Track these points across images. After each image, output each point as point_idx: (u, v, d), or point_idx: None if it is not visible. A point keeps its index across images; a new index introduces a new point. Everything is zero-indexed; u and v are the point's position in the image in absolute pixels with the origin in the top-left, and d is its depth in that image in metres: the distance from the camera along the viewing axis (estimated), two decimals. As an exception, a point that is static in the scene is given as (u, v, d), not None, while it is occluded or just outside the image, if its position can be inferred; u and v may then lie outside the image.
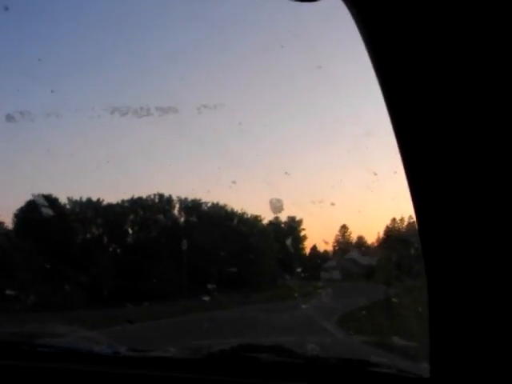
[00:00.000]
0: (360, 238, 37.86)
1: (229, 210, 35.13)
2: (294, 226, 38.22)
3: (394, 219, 31.25)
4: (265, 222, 35.10)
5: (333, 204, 15.64)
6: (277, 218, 36.15)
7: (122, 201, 32.10)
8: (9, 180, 25.54)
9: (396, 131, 1.76)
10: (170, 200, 34.46)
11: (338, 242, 40.56)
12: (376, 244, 33.37)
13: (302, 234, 38.63)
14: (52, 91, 20.50)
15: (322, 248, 37.59)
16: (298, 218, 37.95)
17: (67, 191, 28.24)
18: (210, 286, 16.42)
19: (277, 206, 5.24)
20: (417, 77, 1.68)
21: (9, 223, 27.46)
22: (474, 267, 1.78)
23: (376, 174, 9.76)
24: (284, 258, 29.66)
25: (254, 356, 2.66)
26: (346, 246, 38.58)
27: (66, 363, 2.86)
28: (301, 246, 37.51)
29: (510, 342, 1.76)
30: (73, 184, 27.83)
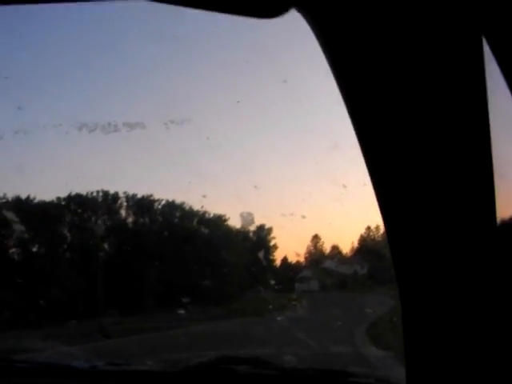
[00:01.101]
0: (334, 248, 36.96)
1: (187, 208, 31.95)
2: (262, 235, 36.40)
3: (368, 228, 31.28)
4: (231, 226, 33.44)
5: (303, 217, 15.64)
6: (244, 227, 34.78)
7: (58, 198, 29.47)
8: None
9: (361, 144, 1.78)
10: (115, 197, 31.37)
11: (310, 252, 39.33)
12: (350, 254, 33.10)
13: (272, 243, 36.74)
14: (19, 108, 20.34)
15: (293, 259, 36.44)
16: (267, 227, 36.19)
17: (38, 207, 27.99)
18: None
19: (248, 220, 5.26)
20: (378, 89, 1.70)
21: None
22: (442, 274, 1.80)
23: (345, 187, 9.80)
24: (253, 268, 28.55)
25: (232, 368, 2.64)
26: (320, 257, 37.47)
27: (44, 378, 2.83)
28: (271, 256, 36.30)
29: (481, 346, 1.78)
30: (45, 197, 27.60)
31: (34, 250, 27.07)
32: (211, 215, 32.29)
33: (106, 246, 29.68)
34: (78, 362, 3.01)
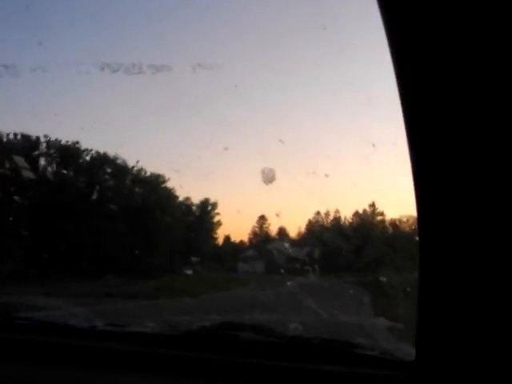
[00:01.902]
0: (281, 230, 34.90)
1: (120, 162, 28.98)
2: (206, 209, 34.00)
3: (318, 212, 30.84)
4: (171, 189, 30.55)
5: (327, 175, 15.56)
6: (188, 199, 32.64)
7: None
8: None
9: (403, 98, 1.69)
10: (37, 142, 27.35)
11: (254, 233, 37.17)
12: (299, 237, 31.88)
13: (216, 219, 34.46)
14: (39, 43, 20.23)
15: (240, 238, 34.73)
16: (212, 201, 33.80)
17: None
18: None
19: (269, 176, 5.18)
20: (434, 51, 1.61)
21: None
22: (470, 258, 1.74)
23: (374, 146, 9.70)
24: (191, 243, 26.81)
25: (234, 334, 2.62)
26: (268, 237, 35.49)
27: (42, 336, 2.82)
28: (213, 233, 34.39)
29: (497, 334, 1.74)
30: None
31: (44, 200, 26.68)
32: (147, 174, 29.79)
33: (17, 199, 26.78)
34: (78, 320, 3.00)
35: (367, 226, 30.08)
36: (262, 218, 34.96)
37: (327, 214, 31.95)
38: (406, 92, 1.68)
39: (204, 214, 33.46)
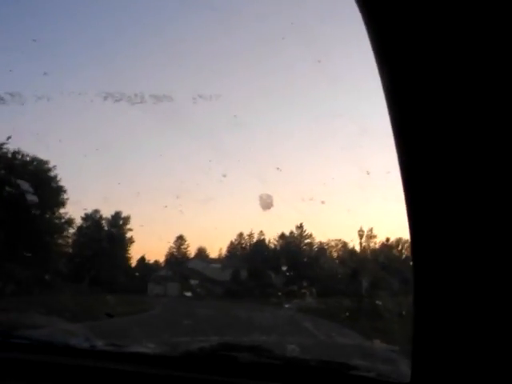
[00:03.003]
0: (201, 250, 32.54)
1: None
2: (117, 223, 30.61)
3: (241, 234, 29.91)
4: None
5: (323, 202, 15.70)
6: (96, 211, 29.78)
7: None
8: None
9: (395, 130, 1.72)
10: None
11: (171, 254, 33.45)
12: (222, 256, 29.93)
13: (129, 235, 31.01)
14: (45, 73, 20.45)
15: (154, 257, 31.58)
16: (124, 215, 30.51)
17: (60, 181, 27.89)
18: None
19: (267, 202, 5.21)
20: (421, 77, 1.64)
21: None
22: (463, 279, 1.76)
23: (368, 173, 9.76)
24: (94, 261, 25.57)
25: (233, 355, 2.63)
26: (185, 257, 32.13)
27: (42, 355, 2.82)
28: (124, 250, 30.89)
29: (493, 351, 1.75)
30: (60, 171, 27.54)
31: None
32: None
33: None
34: (78, 340, 3.00)
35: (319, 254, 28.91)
36: (181, 238, 31.92)
37: (250, 235, 30.51)
38: (398, 123, 1.72)
39: (114, 228, 30.42)
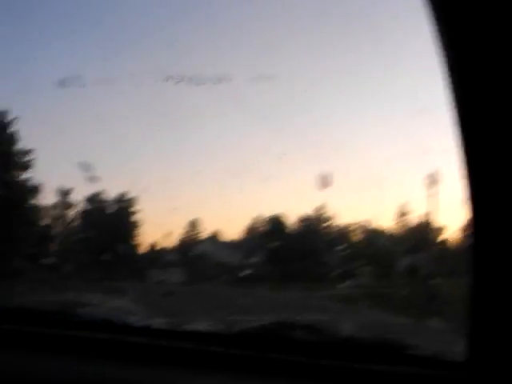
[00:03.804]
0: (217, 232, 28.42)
1: None
2: (123, 205, 28.57)
3: (260, 218, 28.64)
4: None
5: (380, 182, 15.70)
6: (98, 194, 27.75)
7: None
8: (57, 146, 25.66)
9: (456, 110, 1.70)
10: None
11: (185, 241, 30.92)
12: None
13: (135, 218, 28.81)
14: (105, 56, 20.70)
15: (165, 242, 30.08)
16: (129, 197, 28.31)
17: (113, 161, 28.17)
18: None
19: (324, 181, 5.21)
20: (491, 61, 1.61)
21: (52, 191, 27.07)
22: None
23: (427, 154, 9.71)
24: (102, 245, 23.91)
25: (288, 333, 2.65)
26: (196, 240, 29.84)
27: (100, 333, 2.88)
28: (130, 233, 28.78)
29: None
30: (120, 155, 27.85)
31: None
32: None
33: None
34: (134, 318, 3.05)
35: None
36: (194, 222, 29.48)
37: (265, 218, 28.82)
38: (459, 101, 1.70)
39: (119, 211, 28.56)
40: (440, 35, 1.63)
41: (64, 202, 27.18)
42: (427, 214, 25.68)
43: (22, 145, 24.95)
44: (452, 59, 1.66)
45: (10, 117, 24.32)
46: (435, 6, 1.60)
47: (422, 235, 25.12)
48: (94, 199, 26.87)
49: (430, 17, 1.61)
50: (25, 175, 25.53)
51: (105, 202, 27.46)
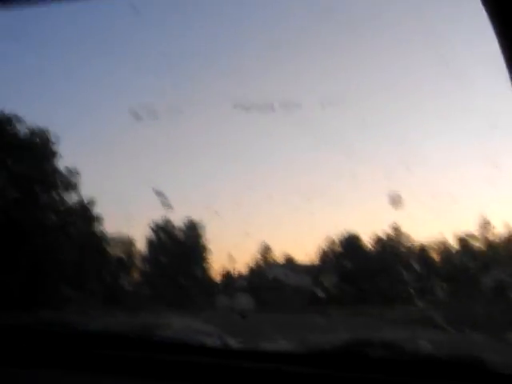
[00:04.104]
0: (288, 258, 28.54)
1: None
2: (191, 233, 27.98)
3: (332, 240, 27.71)
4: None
5: (452, 199, 15.48)
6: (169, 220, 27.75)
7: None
8: (132, 176, 26.17)
9: None
10: None
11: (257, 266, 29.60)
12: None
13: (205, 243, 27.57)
14: (175, 86, 21.04)
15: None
16: (198, 223, 27.64)
17: (184, 187, 28.58)
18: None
19: (396, 200, 5.19)
20: None
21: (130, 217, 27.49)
22: None
23: (497, 168, 9.55)
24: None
25: (364, 351, 2.64)
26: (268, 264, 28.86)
27: (179, 355, 2.91)
28: (201, 258, 27.75)
29: None
30: (196, 185, 28.20)
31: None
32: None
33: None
34: (212, 339, 3.08)
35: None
36: (267, 248, 28.60)
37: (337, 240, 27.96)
38: None
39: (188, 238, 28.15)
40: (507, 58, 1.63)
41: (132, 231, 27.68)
42: (507, 229, 25.11)
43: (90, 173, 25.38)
44: None
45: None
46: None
47: (502, 251, 24.58)
48: (166, 225, 27.20)
49: (497, 36, 1.62)
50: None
51: (175, 227, 27.83)
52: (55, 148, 24.82)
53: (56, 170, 25.24)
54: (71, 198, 25.58)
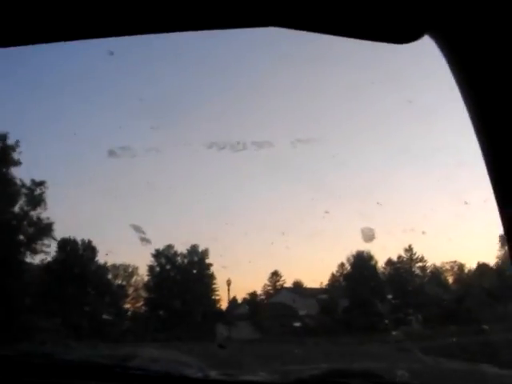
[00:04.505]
0: (297, 284, 28.43)
1: None
2: (194, 258, 28.57)
3: (342, 264, 28.01)
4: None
5: (424, 233, 15.78)
6: (170, 247, 28.17)
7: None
8: (111, 213, 26.25)
9: (487, 161, 1.75)
10: None
11: (267, 293, 29.63)
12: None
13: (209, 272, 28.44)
14: (152, 128, 21.26)
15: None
16: (202, 248, 27.92)
17: (172, 226, 28.67)
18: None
19: (368, 235, 5.25)
20: (509, 111, 1.67)
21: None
22: None
23: (467, 203, 9.74)
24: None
25: (344, 381, 2.64)
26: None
27: None
28: (205, 285, 28.36)
29: None
30: (173, 219, 28.30)
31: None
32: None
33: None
34: (192, 370, 3.07)
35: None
36: (275, 275, 28.63)
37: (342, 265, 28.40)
38: (489, 152, 1.75)
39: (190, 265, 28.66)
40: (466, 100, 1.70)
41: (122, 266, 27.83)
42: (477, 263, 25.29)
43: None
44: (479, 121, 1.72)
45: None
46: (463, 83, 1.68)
47: (472, 281, 24.72)
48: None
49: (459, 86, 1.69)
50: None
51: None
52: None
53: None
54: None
